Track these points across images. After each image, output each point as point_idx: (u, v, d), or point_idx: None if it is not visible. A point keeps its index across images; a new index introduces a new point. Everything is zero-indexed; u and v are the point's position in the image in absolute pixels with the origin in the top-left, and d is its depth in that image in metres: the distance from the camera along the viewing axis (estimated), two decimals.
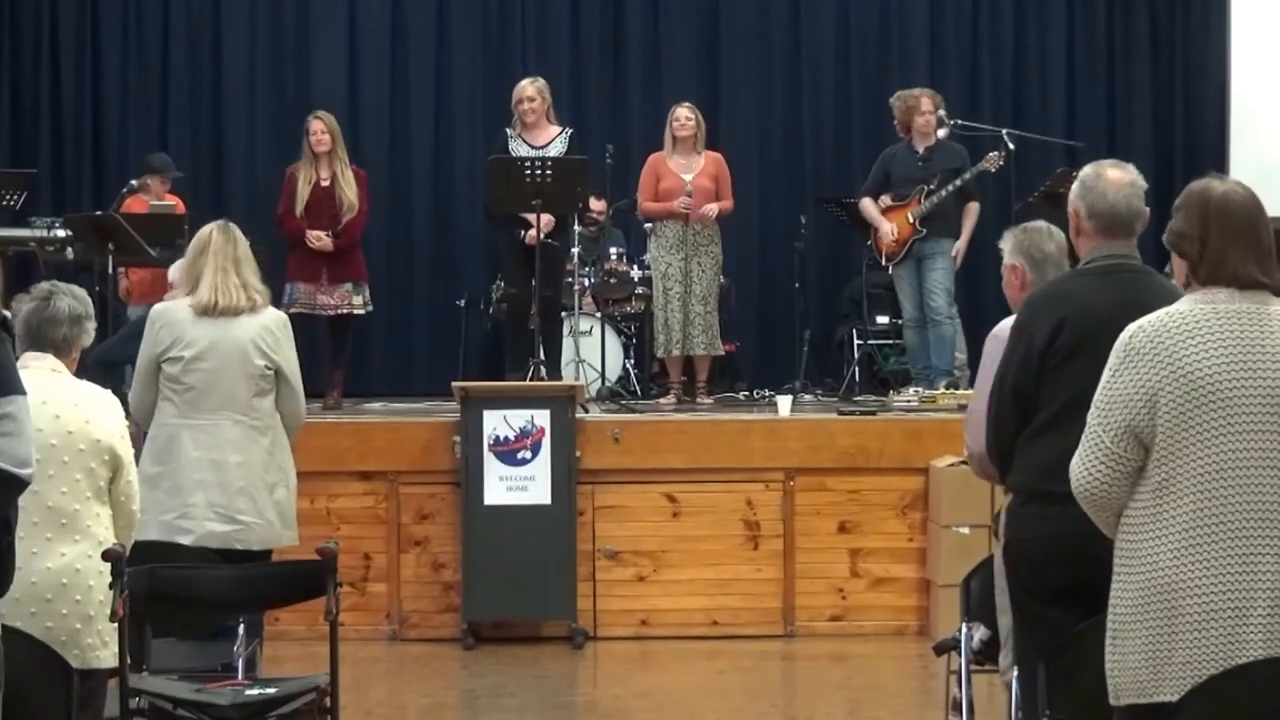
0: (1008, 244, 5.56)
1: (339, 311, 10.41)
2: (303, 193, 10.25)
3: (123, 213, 10.20)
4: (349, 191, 10.24)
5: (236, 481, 6.35)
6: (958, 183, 10.25)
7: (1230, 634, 3.58)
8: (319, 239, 10.14)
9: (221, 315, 6.37)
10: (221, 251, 6.43)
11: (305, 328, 9.46)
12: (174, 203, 10.85)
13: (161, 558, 5.45)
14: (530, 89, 10.05)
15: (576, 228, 10.49)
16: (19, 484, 3.94)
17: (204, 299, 6.38)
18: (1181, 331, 3.68)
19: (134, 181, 10.94)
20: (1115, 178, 4.62)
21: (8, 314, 4.38)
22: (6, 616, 4.52)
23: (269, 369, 6.40)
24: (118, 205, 10.59)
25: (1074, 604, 4.42)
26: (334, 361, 10.59)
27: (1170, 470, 3.66)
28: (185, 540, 6.20)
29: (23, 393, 3.97)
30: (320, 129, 10.28)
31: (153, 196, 10.85)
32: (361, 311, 10.46)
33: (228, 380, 6.36)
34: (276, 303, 7.29)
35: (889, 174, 10.54)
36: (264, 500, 6.39)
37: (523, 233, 9.82)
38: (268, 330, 6.42)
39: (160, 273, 10.43)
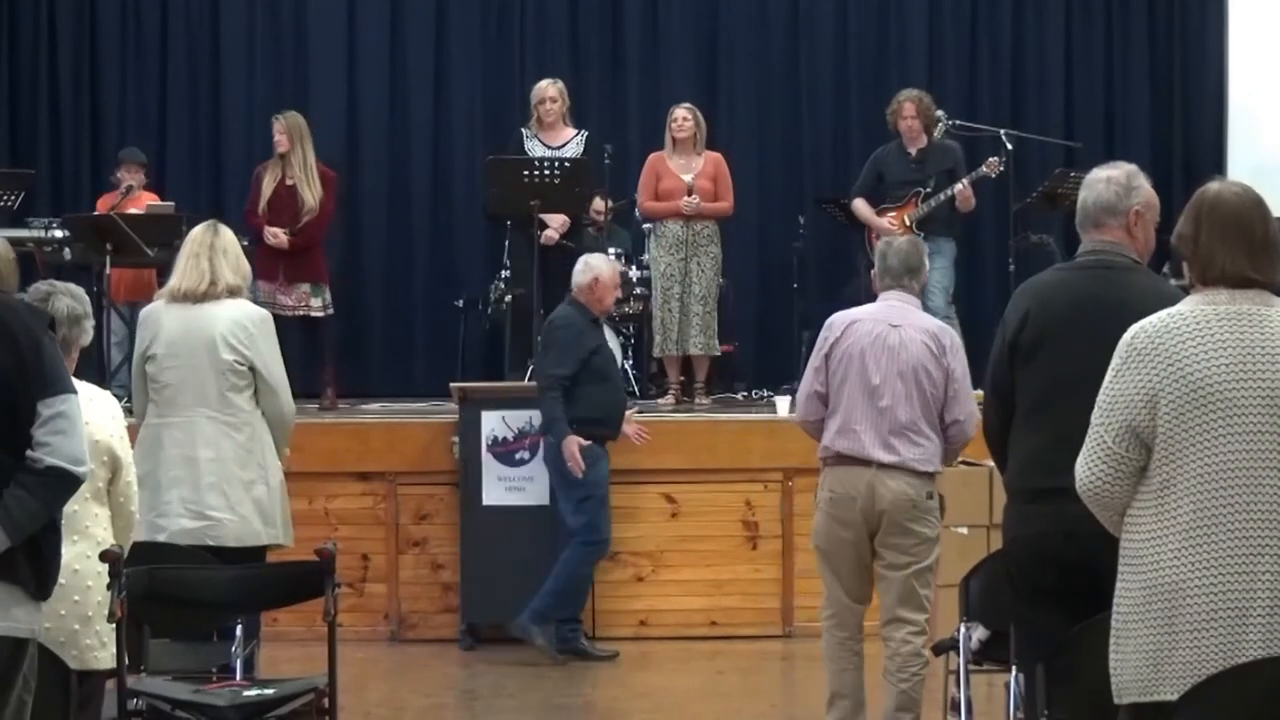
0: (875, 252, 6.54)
1: (297, 313, 10.34)
2: (266, 191, 10.28)
3: (119, 213, 10.19)
4: (310, 192, 10.24)
5: (207, 477, 6.32)
6: (958, 187, 10.23)
7: (1230, 634, 3.58)
8: (274, 236, 10.12)
9: (187, 299, 6.38)
10: (199, 240, 6.47)
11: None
12: (158, 200, 10.88)
13: (148, 557, 5.42)
14: (552, 90, 10.14)
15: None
16: (75, 481, 3.97)
17: (173, 285, 6.45)
18: (1182, 333, 3.68)
19: (131, 184, 10.93)
20: (1094, 175, 4.75)
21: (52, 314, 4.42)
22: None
23: (240, 364, 6.36)
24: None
25: (1061, 606, 4.45)
26: (319, 362, 10.58)
27: (1171, 471, 3.66)
28: (160, 537, 6.20)
29: (75, 391, 4.00)
30: (280, 129, 10.30)
31: (124, 186, 10.80)
32: (320, 314, 10.35)
33: (198, 376, 6.36)
34: None
35: (881, 175, 10.52)
36: (238, 496, 6.35)
37: (539, 232, 9.82)
38: (240, 325, 6.38)
39: (144, 272, 10.48)
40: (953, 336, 6.39)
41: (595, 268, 8.66)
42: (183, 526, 6.29)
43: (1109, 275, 4.61)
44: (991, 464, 7.40)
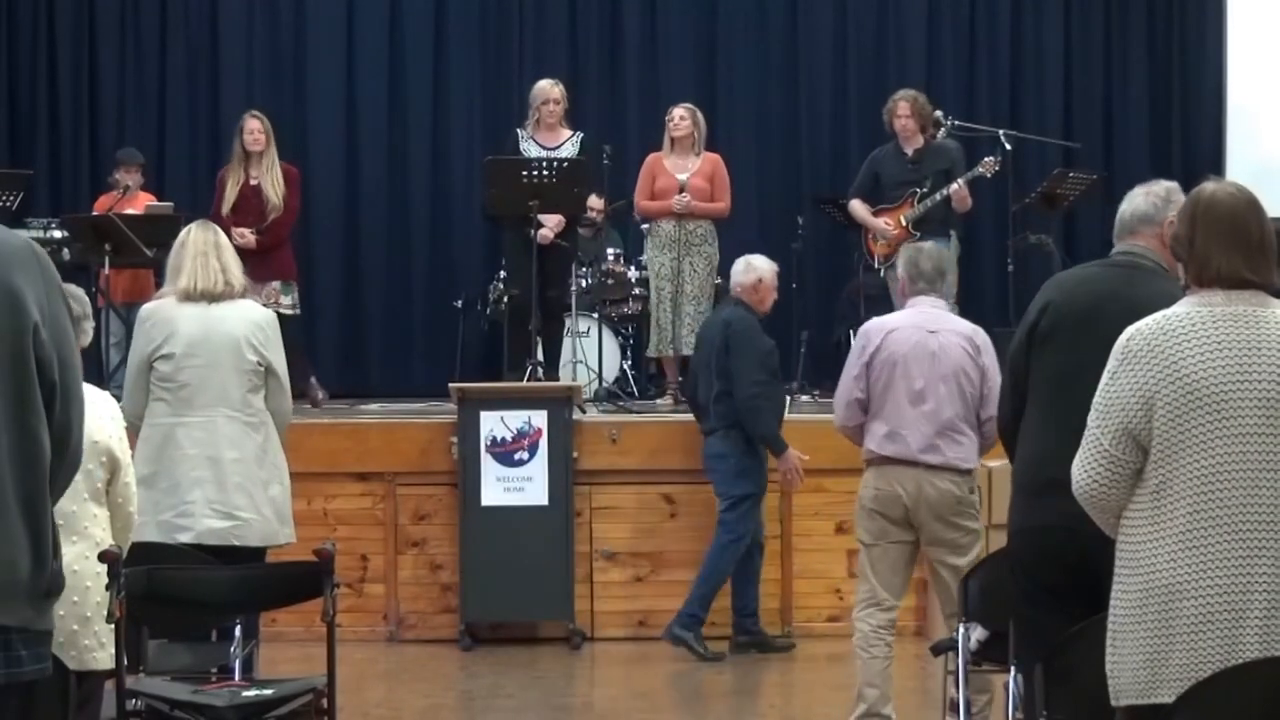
0: (900, 257, 6.78)
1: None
2: (230, 193, 10.28)
3: (117, 213, 10.20)
4: (275, 191, 10.25)
5: (233, 477, 6.35)
6: (953, 187, 10.20)
7: (1227, 635, 3.58)
8: (242, 236, 10.10)
9: (203, 299, 6.40)
10: (200, 239, 6.49)
11: None
12: (156, 200, 10.88)
13: (159, 558, 5.45)
14: (555, 91, 10.17)
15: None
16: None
17: (184, 285, 6.43)
18: (1178, 334, 3.68)
19: (128, 184, 10.93)
20: (1135, 190, 4.84)
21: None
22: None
23: (260, 365, 6.42)
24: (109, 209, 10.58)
25: (1062, 605, 4.46)
26: (298, 360, 10.56)
27: (1167, 473, 3.66)
28: (185, 538, 6.21)
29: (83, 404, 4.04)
30: (257, 128, 10.30)
31: (122, 186, 10.81)
32: (289, 312, 10.26)
33: (221, 376, 6.37)
34: None
35: (878, 176, 10.50)
36: (260, 496, 6.40)
37: (534, 232, 9.82)
38: (258, 326, 6.45)
39: (141, 272, 10.47)
40: (984, 337, 6.67)
41: (758, 269, 8.67)
42: (210, 527, 6.30)
43: (1134, 275, 4.65)
44: (991, 464, 7.45)
